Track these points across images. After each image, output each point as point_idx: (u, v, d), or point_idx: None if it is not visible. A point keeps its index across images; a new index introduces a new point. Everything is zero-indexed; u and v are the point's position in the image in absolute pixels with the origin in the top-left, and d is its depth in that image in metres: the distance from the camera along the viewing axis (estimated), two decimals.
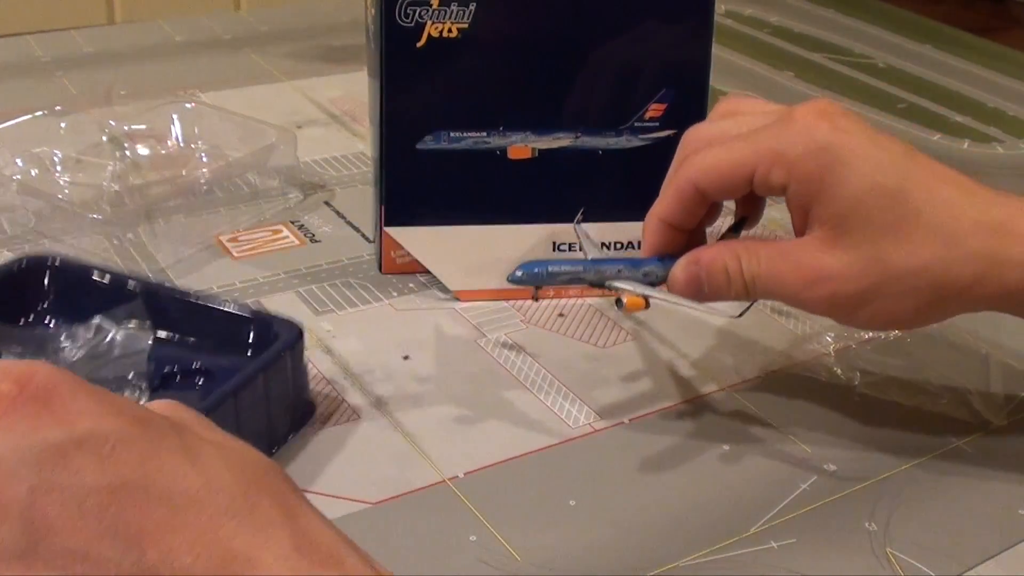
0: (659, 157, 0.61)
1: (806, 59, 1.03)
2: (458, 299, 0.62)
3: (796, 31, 1.11)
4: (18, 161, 0.70)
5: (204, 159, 0.73)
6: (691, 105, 0.61)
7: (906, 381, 0.56)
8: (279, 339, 0.50)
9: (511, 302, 0.62)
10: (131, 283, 0.54)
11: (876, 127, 0.48)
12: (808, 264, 0.47)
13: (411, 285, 0.63)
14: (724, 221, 0.53)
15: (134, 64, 0.94)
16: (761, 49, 1.06)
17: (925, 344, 0.59)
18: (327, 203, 0.72)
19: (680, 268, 0.49)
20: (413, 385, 0.55)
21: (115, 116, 0.75)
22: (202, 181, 0.70)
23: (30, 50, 0.96)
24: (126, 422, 0.30)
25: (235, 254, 0.66)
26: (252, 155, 0.71)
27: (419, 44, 0.57)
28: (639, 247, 0.62)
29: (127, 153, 0.73)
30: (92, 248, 0.65)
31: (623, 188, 0.62)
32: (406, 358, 0.57)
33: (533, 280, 0.50)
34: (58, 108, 0.74)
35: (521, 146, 0.60)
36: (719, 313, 0.50)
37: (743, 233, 0.52)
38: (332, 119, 0.85)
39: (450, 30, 0.57)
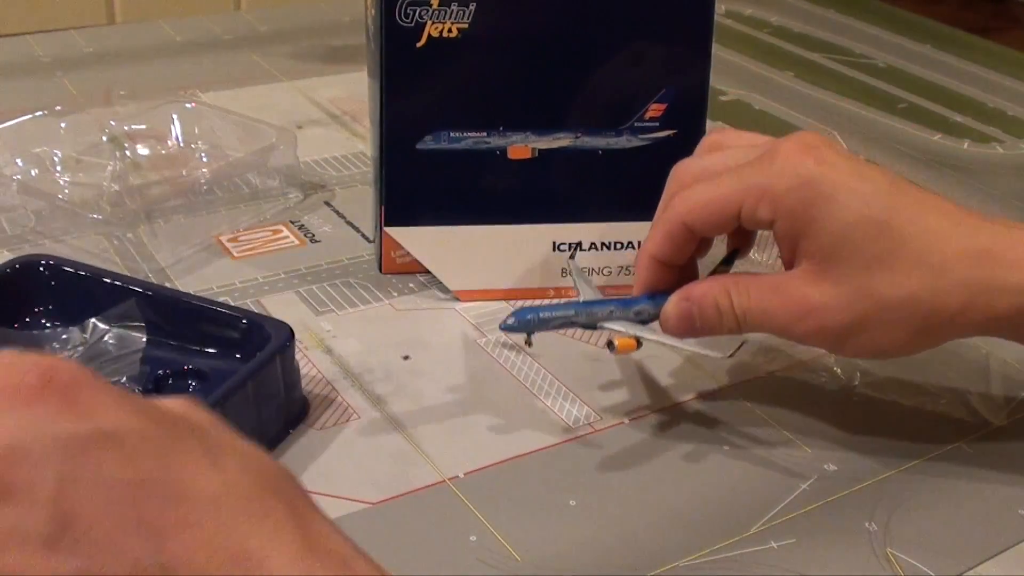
0: (659, 157, 0.61)
1: (806, 59, 1.03)
2: (458, 299, 0.62)
3: (796, 31, 1.11)
4: (18, 161, 0.70)
5: (204, 159, 0.73)
6: (691, 105, 0.61)
7: (906, 381, 0.56)
8: (270, 341, 0.50)
9: (511, 302, 0.62)
10: (124, 285, 0.53)
11: (861, 158, 0.49)
12: (797, 297, 0.48)
13: (411, 285, 0.63)
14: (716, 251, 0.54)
15: (134, 64, 0.94)
16: (761, 49, 1.06)
17: None
18: (327, 203, 0.72)
19: (672, 304, 0.50)
20: (413, 385, 0.55)
21: (115, 116, 0.75)
22: (202, 181, 0.70)
23: (30, 50, 0.96)
24: (148, 421, 0.30)
25: (235, 254, 0.66)
26: (252, 155, 0.71)
27: (419, 44, 0.57)
28: (639, 247, 0.62)
29: (127, 153, 0.73)
30: (92, 248, 0.65)
31: (623, 188, 0.62)
32: (406, 358, 0.57)
33: (525, 327, 0.50)
34: (58, 108, 0.74)
35: (521, 146, 0.60)
36: (710, 354, 0.50)
37: (735, 264, 0.53)
38: (332, 119, 0.85)
39: (450, 30, 0.57)
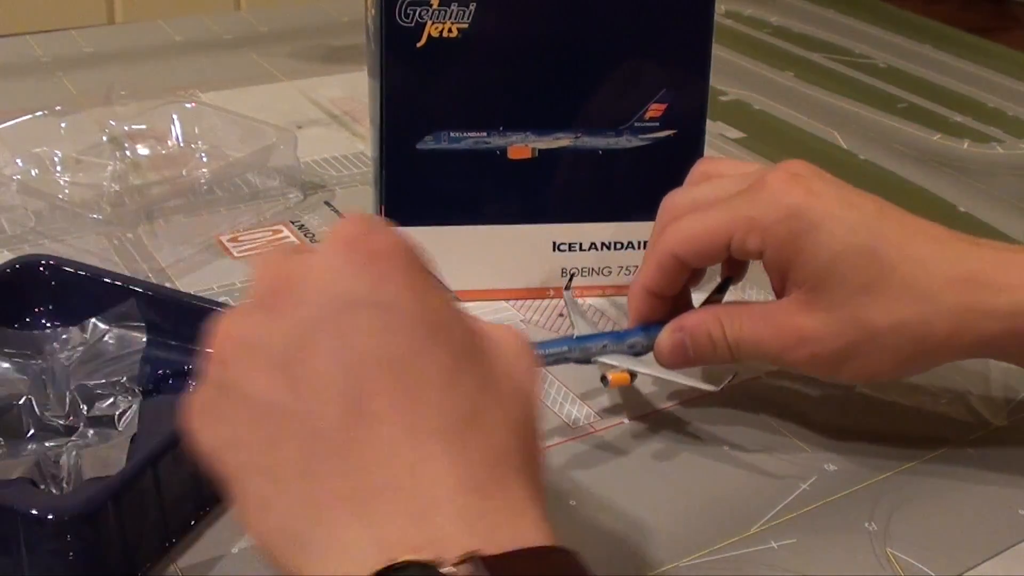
0: (659, 157, 0.61)
1: (806, 59, 1.03)
2: (458, 299, 0.62)
3: (796, 31, 1.11)
4: (18, 161, 0.70)
5: (204, 159, 0.73)
6: (691, 105, 0.61)
7: (906, 381, 0.56)
8: None
9: (511, 302, 0.62)
10: (124, 285, 0.53)
11: (848, 185, 0.49)
12: (788, 326, 0.48)
13: None
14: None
15: (134, 64, 0.94)
16: (761, 49, 1.06)
17: None
18: (327, 203, 0.72)
19: (665, 335, 0.51)
20: None
21: (115, 116, 0.75)
22: (202, 181, 0.70)
23: (30, 50, 0.96)
24: (427, 312, 0.35)
25: (235, 254, 0.66)
26: (252, 155, 0.71)
27: (419, 44, 0.57)
28: (640, 247, 0.62)
29: (127, 153, 0.73)
30: (92, 248, 0.65)
31: (623, 188, 0.62)
32: None
33: None
34: (58, 108, 0.74)
35: (521, 146, 0.60)
36: (703, 387, 0.51)
37: (729, 291, 0.53)
38: (332, 119, 0.85)
39: (450, 30, 0.57)
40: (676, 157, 0.61)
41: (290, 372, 0.33)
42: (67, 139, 0.72)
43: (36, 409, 0.48)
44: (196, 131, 0.74)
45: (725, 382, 0.50)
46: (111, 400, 0.49)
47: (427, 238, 0.62)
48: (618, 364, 0.51)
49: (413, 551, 0.30)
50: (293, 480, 0.33)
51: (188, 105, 0.76)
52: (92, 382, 0.49)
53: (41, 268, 0.54)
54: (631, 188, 0.61)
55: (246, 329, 0.35)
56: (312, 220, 0.70)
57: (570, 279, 0.59)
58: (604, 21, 0.58)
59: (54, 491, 0.44)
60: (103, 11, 1.65)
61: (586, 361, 0.52)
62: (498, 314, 0.61)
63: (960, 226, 0.68)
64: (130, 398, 0.49)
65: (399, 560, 0.30)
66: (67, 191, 0.69)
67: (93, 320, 0.53)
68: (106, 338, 0.52)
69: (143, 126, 0.75)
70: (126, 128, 0.75)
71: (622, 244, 0.62)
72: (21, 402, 0.48)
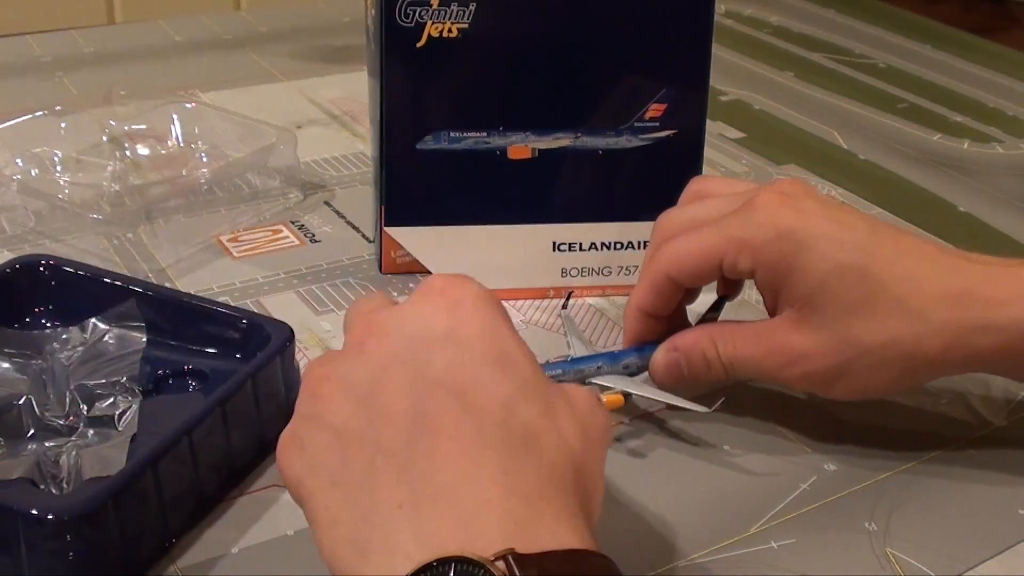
0: (659, 157, 0.61)
1: (806, 59, 1.03)
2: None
3: (796, 31, 1.11)
4: (18, 161, 0.70)
5: (204, 159, 0.73)
6: (691, 105, 0.61)
7: None
8: (270, 341, 0.50)
9: (511, 302, 0.62)
10: (124, 285, 0.53)
11: (840, 204, 0.49)
12: (781, 345, 0.49)
13: (411, 285, 0.63)
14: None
15: (134, 64, 0.94)
16: (761, 49, 1.06)
17: None
18: (327, 203, 0.72)
19: (660, 355, 0.51)
20: None
21: (115, 116, 0.75)
22: (202, 181, 0.70)
23: (30, 50, 0.96)
24: (499, 349, 0.37)
25: (235, 254, 0.66)
26: (252, 155, 0.71)
27: (419, 44, 0.57)
28: (640, 247, 0.62)
29: (127, 153, 0.73)
30: (92, 248, 0.65)
31: (623, 188, 0.62)
32: None
33: None
34: (58, 108, 0.74)
35: (521, 146, 0.60)
36: (695, 408, 0.51)
37: (725, 307, 0.54)
38: (332, 119, 0.85)
39: (450, 30, 0.57)
40: (676, 157, 0.61)
41: (368, 401, 0.37)
42: (67, 139, 0.72)
43: (36, 409, 0.48)
44: (196, 131, 0.74)
45: (716, 404, 0.51)
46: (111, 400, 0.49)
47: (427, 238, 0.62)
48: (612, 385, 0.52)
49: (456, 550, 0.31)
50: (359, 492, 0.35)
51: (188, 105, 0.76)
52: (92, 382, 0.49)
53: (41, 268, 0.54)
54: (631, 188, 0.62)
55: (336, 367, 0.39)
56: (312, 220, 0.70)
57: (567, 297, 0.59)
58: (604, 21, 0.58)
59: (54, 491, 0.44)
60: (103, 11, 1.64)
61: (580, 382, 0.52)
62: None
63: (960, 226, 0.68)
64: (130, 398, 0.49)
65: (440, 556, 0.31)
66: (67, 191, 0.69)
67: (93, 320, 0.53)
68: (106, 338, 0.52)
69: (143, 126, 0.75)
70: (126, 128, 0.75)
71: (622, 244, 0.62)
72: (21, 402, 0.48)
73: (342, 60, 0.96)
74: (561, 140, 0.60)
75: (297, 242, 0.67)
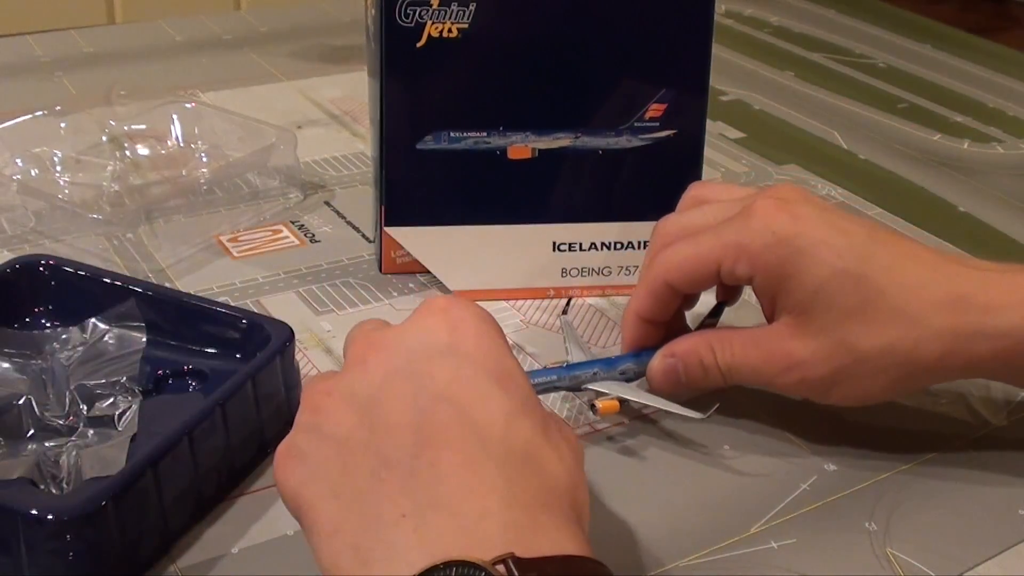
0: (659, 157, 0.61)
1: (806, 59, 1.03)
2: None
3: (796, 31, 1.11)
4: (18, 161, 0.70)
5: (204, 159, 0.73)
6: (691, 105, 0.61)
7: None
8: (270, 341, 0.50)
9: (511, 302, 0.62)
10: (124, 285, 0.53)
11: (838, 210, 0.49)
12: (778, 352, 0.49)
13: (411, 285, 0.63)
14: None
15: (134, 64, 0.94)
16: (761, 49, 1.06)
17: None
18: (327, 203, 0.72)
19: (657, 361, 0.52)
20: None
21: (115, 116, 0.75)
22: (202, 181, 0.70)
23: (30, 50, 0.96)
24: (497, 364, 0.38)
25: (235, 254, 0.66)
26: (252, 155, 0.71)
27: (419, 44, 0.57)
28: (640, 247, 0.62)
29: (127, 153, 0.73)
30: (92, 248, 0.65)
31: (623, 188, 0.62)
32: None
33: None
34: (58, 108, 0.74)
35: (521, 146, 0.60)
36: (690, 414, 0.51)
37: (724, 312, 0.54)
38: (332, 119, 0.85)
39: (450, 30, 0.57)
40: (676, 157, 0.61)
41: (371, 413, 0.37)
42: (67, 139, 0.72)
43: (36, 409, 0.48)
44: (196, 131, 0.74)
45: (711, 411, 0.51)
46: (111, 400, 0.49)
47: (427, 238, 0.62)
48: (607, 391, 0.52)
49: (457, 554, 0.32)
50: (361, 503, 0.35)
51: (188, 105, 0.76)
52: (92, 382, 0.49)
53: (41, 268, 0.54)
54: (631, 188, 0.62)
55: (338, 382, 0.39)
56: (312, 220, 0.70)
57: (567, 303, 0.59)
58: (604, 21, 0.58)
59: (54, 491, 0.44)
60: (103, 11, 1.64)
61: (576, 389, 0.52)
62: (498, 314, 0.61)
63: (960, 226, 0.68)
64: (130, 398, 0.49)
65: (442, 561, 0.32)
66: (67, 191, 0.69)
67: (93, 320, 0.53)
68: (106, 338, 0.52)
69: (143, 126, 0.75)
70: (126, 128, 0.75)
71: (622, 244, 0.62)
72: (21, 402, 0.48)
73: (342, 60, 0.96)
74: (561, 140, 0.60)
75: (297, 242, 0.67)
